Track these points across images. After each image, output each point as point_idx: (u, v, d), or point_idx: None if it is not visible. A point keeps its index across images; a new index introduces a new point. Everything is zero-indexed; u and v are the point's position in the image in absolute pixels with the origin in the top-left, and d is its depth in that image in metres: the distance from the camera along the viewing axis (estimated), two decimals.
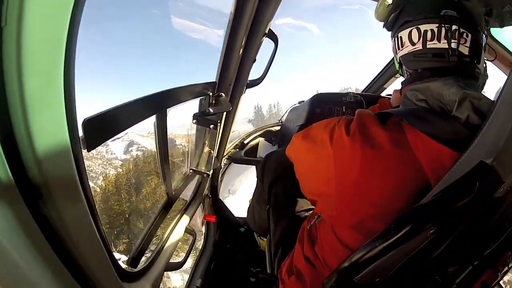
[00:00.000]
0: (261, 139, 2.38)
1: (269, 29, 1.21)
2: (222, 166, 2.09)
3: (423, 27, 0.70)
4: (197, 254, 1.96)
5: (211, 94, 1.17)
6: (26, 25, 0.30)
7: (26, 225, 0.37)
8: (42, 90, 0.34)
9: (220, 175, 2.01)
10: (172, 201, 1.12)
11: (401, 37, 0.75)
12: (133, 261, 0.90)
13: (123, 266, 0.75)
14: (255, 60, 1.30)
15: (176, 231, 1.19)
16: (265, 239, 1.46)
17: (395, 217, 0.53)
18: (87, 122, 0.50)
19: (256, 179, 1.40)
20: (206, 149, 1.37)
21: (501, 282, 0.62)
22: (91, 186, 0.51)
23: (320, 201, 0.74)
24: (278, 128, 2.34)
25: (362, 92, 2.29)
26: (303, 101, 1.93)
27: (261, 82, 1.50)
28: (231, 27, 1.05)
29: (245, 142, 2.33)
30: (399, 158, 0.57)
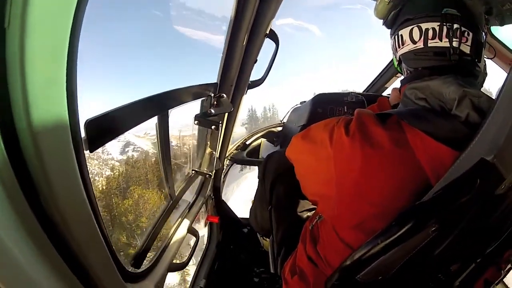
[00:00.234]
0: (263, 139, 2.38)
1: (270, 29, 1.22)
2: (225, 167, 2.09)
3: (424, 26, 0.70)
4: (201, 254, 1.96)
5: (212, 95, 1.17)
6: (29, 26, 0.31)
7: (28, 225, 0.37)
8: (44, 91, 0.34)
9: (222, 176, 2.01)
10: (175, 202, 1.13)
11: (401, 35, 0.75)
12: (136, 262, 0.91)
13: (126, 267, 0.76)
14: (256, 60, 1.30)
15: (179, 231, 1.19)
16: (268, 240, 1.46)
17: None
18: (90, 123, 0.50)
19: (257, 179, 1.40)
20: (208, 150, 1.38)
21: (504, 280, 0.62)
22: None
23: (321, 202, 0.74)
24: (280, 128, 2.34)
25: (363, 92, 2.29)
26: (304, 102, 1.93)
27: (262, 82, 1.51)
28: (232, 27, 1.06)
29: (247, 143, 2.34)
30: (399, 157, 0.57)
